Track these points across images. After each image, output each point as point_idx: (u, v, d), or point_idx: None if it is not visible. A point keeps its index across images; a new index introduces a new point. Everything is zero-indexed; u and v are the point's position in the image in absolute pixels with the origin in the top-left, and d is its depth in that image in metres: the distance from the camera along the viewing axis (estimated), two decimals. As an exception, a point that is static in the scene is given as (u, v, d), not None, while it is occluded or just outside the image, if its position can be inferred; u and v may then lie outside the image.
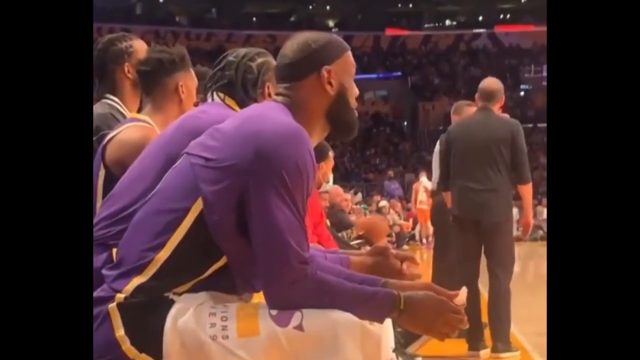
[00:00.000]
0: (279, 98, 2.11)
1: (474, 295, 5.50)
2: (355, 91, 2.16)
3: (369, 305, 1.92)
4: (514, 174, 5.63)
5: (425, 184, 16.77)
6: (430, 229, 18.85)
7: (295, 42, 2.12)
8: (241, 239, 1.94)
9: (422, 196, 18.22)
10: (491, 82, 5.84)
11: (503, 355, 5.38)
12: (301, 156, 1.93)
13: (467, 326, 2.02)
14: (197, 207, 1.95)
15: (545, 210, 23.97)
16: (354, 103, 2.16)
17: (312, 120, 2.09)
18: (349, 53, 2.15)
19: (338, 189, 8.84)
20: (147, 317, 1.92)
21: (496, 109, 5.74)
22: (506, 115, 6.09)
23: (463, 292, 2.01)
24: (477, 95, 5.80)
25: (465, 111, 6.25)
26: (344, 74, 2.12)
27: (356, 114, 2.16)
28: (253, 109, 2.12)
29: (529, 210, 5.92)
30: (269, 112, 2.03)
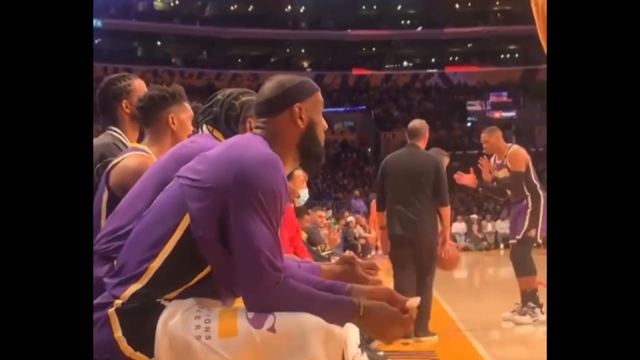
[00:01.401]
0: (258, 131, 2.13)
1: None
2: (324, 125, 2.18)
3: (333, 311, 1.94)
4: (437, 199, 5.96)
5: None
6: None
7: (272, 82, 2.15)
8: (223, 250, 1.95)
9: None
10: (415, 123, 6.23)
11: (423, 339, 5.73)
12: (275, 180, 1.95)
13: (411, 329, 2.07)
14: (185, 222, 1.96)
15: (489, 225, 24.10)
16: (322, 135, 2.18)
17: (286, 150, 2.11)
18: (319, 93, 2.18)
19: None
20: (141, 320, 1.92)
21: (422, 145, 6.10)
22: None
23: (416, 299, 2.05)
24: (406, 134, 6.18)
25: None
26: (313, 110, 2.14)
27: (323, 149, 2.17)
28: (235, 139, 2.13)
29: (447, 228, 6.19)
30: (249, 142, 2.05)
